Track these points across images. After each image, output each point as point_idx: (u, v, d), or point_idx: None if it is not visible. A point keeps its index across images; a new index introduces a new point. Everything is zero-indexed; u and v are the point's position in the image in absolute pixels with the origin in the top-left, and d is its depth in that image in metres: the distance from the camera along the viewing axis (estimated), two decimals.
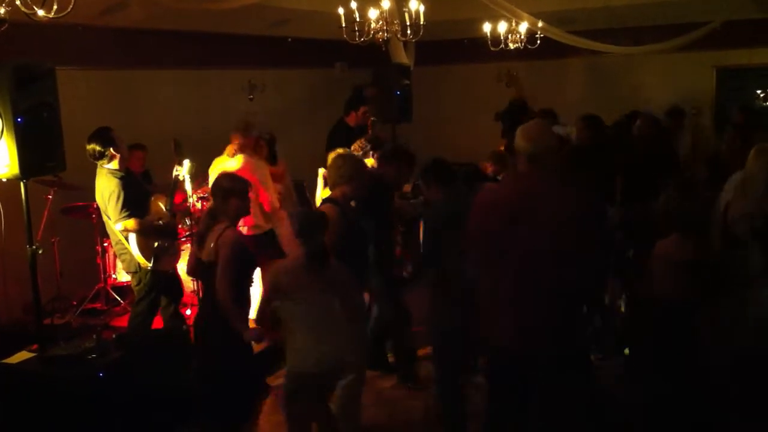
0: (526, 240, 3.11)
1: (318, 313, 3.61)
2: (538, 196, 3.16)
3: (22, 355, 4.29)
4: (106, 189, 4.88)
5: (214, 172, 5.69)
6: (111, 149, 4.89)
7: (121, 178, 4.90)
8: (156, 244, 4.99)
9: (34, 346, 4.36)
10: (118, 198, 4.82)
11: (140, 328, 5.10)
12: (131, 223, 4.85)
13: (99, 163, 4.94)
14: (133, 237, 4.93)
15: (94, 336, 4.35)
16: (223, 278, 3.58)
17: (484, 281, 3.33)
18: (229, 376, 3.74)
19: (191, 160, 5.37)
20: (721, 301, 2.98)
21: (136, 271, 5.09)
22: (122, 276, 6.37)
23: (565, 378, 3.19)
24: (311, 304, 3.60)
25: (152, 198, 5.21)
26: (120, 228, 4.89)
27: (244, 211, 3.91)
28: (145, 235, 4.96)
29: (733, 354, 2.99)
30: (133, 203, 4.90)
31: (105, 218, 5.06)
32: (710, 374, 2.96)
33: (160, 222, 5.09)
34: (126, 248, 5.01)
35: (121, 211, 4.82)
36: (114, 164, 4.94)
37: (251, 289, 3.89)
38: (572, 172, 3.89)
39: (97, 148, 4.88)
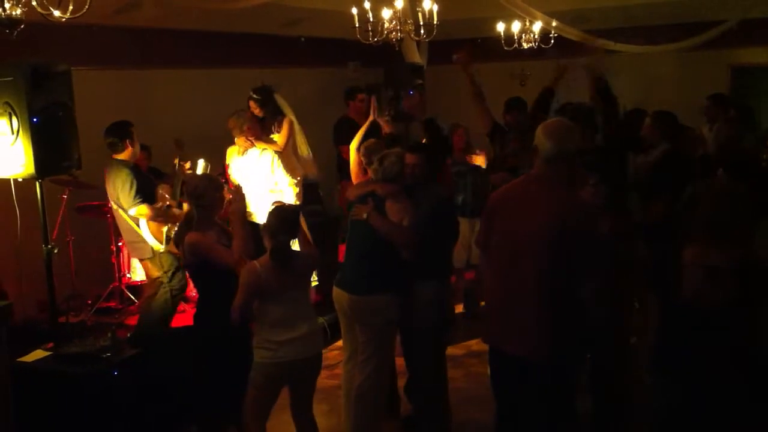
0: (498, 239, 3.23)
1: (293, 308, 3.67)
2: (516, 197, 3.22)
3: (38, 354, 4.31)
4: (118, 178, 5.06)
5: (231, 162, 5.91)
6: (126, 141, 5.11)
7: (131, 168, 5.11)
8: (166, 227, 5.13)
9: (49, 345, 4.39)
10: (131, 185, 5.00)
11: (170, 304, 5.30)
12: (144, 208, 5.02)
13: (111, 153, 5.13)
14: (144, 223, 5.09)
15: (109, 334, 4.37)
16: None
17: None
18: (217, 372, 3.83)
19: (205, 160, 5.46)
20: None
21: (151, 256, 5.21)
22: (137, 275, 6.41)
23: (538, 385, 3.14)
24: (288, 300, 3.65)
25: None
26: (134, 213, 5.04)
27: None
28: (157, 220, 5.12)
29: None
30: (143, 191, 5.08)
31: (115, 207, 5.21)
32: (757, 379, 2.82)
33: (170, 207, 5.24)
34: (138, 235, 5.16)
35: (134, 198, 5.00)
36: (125, 156, 5.13)
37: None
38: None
39: (113, 138, 5.10)
